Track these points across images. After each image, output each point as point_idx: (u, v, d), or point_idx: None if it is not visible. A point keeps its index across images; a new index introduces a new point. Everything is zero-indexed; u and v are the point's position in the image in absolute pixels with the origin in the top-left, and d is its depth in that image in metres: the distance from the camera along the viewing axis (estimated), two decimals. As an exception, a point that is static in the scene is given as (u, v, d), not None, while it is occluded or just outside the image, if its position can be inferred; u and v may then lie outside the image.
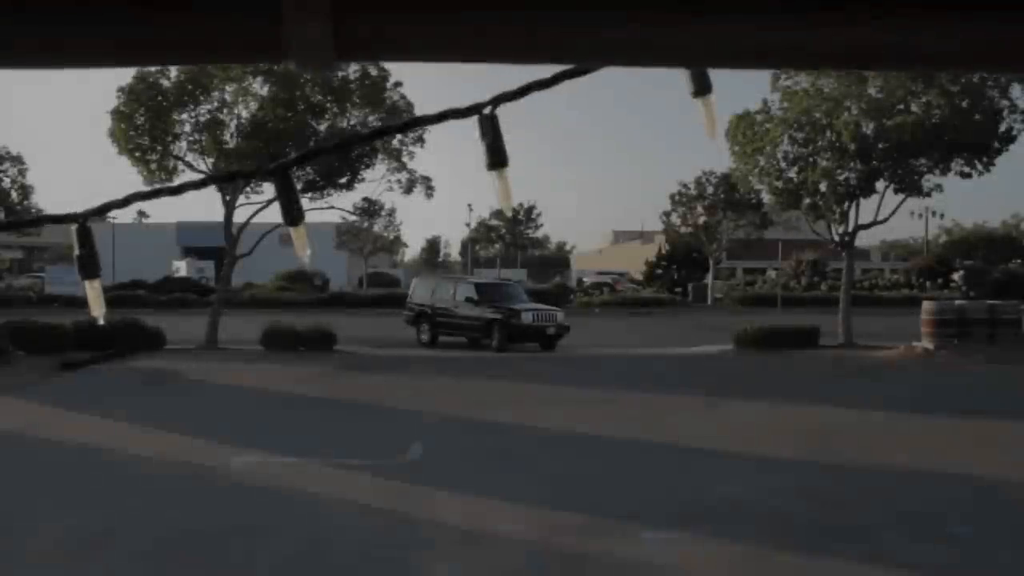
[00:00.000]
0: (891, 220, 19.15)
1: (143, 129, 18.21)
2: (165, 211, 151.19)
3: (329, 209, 20.82)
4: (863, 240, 22.42)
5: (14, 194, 34.77)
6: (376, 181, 20.11)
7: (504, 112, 0.99)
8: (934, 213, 56.49)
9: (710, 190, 36.83)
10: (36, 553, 6.12)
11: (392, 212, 40.78)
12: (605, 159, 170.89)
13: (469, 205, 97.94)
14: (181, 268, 55.63)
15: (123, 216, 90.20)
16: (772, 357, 17.79)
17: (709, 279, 40.65)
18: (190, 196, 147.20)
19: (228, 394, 13.63)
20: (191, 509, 7.28)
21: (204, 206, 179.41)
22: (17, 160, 34.93)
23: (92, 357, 17.28)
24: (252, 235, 21.34)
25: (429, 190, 19.77)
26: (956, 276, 42.28)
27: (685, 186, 37.43)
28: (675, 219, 38.15)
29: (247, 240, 21.14)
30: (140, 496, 7.70)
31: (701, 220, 37.94)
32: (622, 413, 11.69)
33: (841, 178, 18.52)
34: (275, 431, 10.67)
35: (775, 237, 38.87)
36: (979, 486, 7.97)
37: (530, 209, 43.28)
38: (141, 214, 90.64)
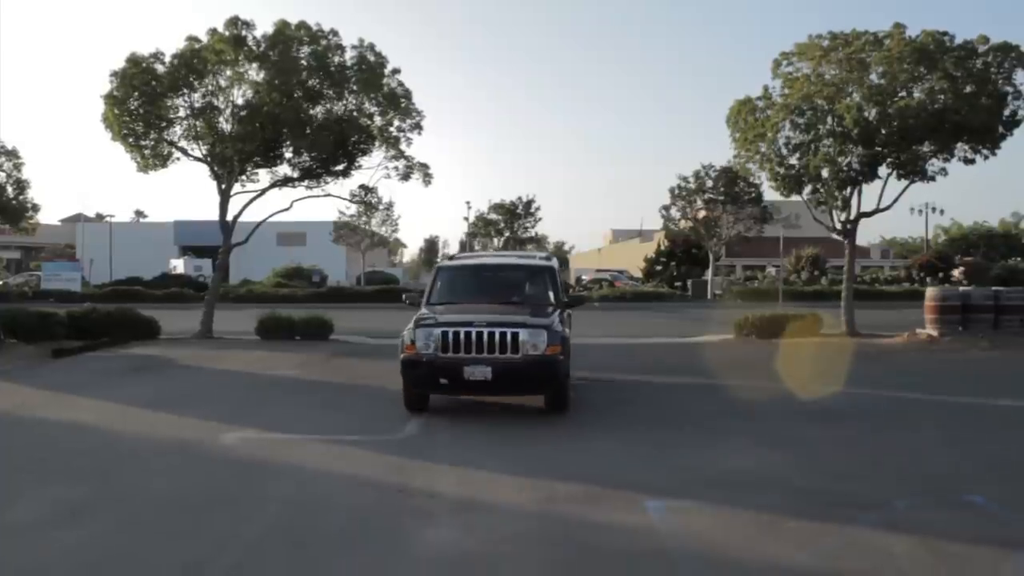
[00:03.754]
0: (891, 219, 19.04)
1: (137, 115, 17.95)
2: (163, 210, 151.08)
3: (326, 197, 20.51)
4: (863, 238, 22.25)
5: (9, 189, 34.38)
6: (373, 168, 19.84)
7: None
8: (934, 209, 56.41)
9: (709, 183, 36.55)
10: (27, 521, 5.93)
11: (390, 206, 40.40)
12: (605, 159, 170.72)
13: (468, 202, 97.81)
14: (178, 266, 55.48)
15: (121, 215, 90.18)
16: (773, 344, 17.56)
17: (709, 275, 40.41)
18: (188, 194, 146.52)
19: (221, 377, 13.38)
20: (180, 479, 7.07)
21: (203, 205, 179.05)
22: (12, 154, 34.53)
23: (84, 345, 17.07)
24: (249, 228, 21.10)
25: (427, 177, 19.48)
26: (956, 272, 42.17)
27: (684, 179, 37.17)
28: (675, 212, 37.88)
29: (243, 233, 20.90)
30: (129, 469, 7.49)
31: (701, 214, 37.67)
32: (613, 391, 11.46)
33: (843, 163, 18.29)
34: (267, 410, 10.47)
35: (775, 235, 38.67)
36: (988, 458, 7.77)
37: (529, 203, 42.93)
38: (139, 213, 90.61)
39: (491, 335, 9.23)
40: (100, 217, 76.78)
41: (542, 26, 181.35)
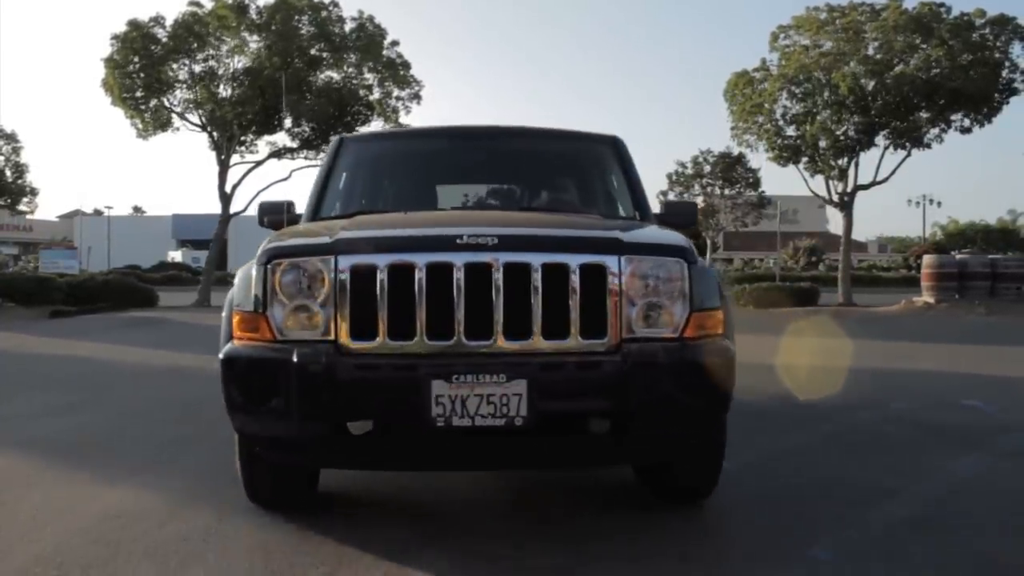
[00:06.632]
0: (889, 219, 19.14)
1: (136, 78, 17.94)
2: (162, 208, 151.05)
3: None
4: (860, 234, 22.18)
5: (8, 172, 34.40)
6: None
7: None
8: (931, 201, 56.55)
9: (707, 168, 36.51)
10: (24, 413, 5.97)
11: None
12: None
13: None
14: (176, 257, 55.58)
15: (120, 208, 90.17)
16: (770, 312, 17.55)
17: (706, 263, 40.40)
18: (186, 192, 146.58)
19: (216, 331, 13.37)
20: (173, 389, 7.12)
21: (200, 201, 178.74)
22: (11, 138, 34.54)
23: (82, 309, 17.06)
24: (247, 226, 21.01)
25: (425, 146, 19.44)
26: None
27: (682, 164, 37.18)
28: (672, 198, 37.81)
29: (242, 226, 20.85)
30: (123, 383, 7.55)
31: (699, 200, 37.61)
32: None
33: (840, 132, 18.32)
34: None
35: (773, 229, 38.66)
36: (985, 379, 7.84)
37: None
38: (137, 209, 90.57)
39: (517, 272, 2.72)
40: (99, 213, 76.74)
41: (540, 27, 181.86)
